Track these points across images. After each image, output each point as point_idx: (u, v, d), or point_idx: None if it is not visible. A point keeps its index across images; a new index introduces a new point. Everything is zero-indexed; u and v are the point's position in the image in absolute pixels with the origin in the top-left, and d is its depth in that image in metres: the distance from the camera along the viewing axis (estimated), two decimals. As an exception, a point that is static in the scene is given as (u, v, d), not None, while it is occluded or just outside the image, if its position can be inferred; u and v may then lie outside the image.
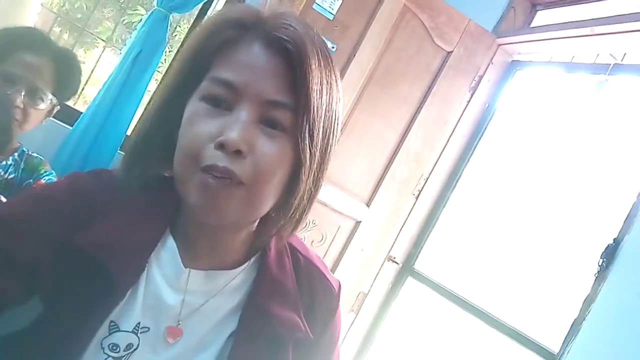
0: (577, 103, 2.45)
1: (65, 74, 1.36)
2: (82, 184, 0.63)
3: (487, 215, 2.45)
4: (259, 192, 0.57)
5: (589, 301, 1.52)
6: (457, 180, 2.35)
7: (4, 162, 1.33)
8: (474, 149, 2.37)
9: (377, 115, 2.22)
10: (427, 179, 2.35)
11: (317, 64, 0.57)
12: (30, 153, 1.41)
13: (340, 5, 2.08)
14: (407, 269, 2.31)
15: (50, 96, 1.32)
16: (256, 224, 0.67)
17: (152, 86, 2.39)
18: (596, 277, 1.54)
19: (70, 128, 2.14)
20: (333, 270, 2.23)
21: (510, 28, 2.43)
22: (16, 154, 1.36)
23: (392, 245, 2.31)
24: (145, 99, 2.36)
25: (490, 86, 2.39)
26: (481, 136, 2.37)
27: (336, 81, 0.62)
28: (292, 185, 0.60)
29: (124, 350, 0.59)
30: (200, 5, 2.27)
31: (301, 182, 0.59)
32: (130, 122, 2.32)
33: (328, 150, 0.63)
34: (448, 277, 2.16)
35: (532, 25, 2.45)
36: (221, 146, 0.54)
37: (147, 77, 2.27)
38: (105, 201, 0.62)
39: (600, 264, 1.54)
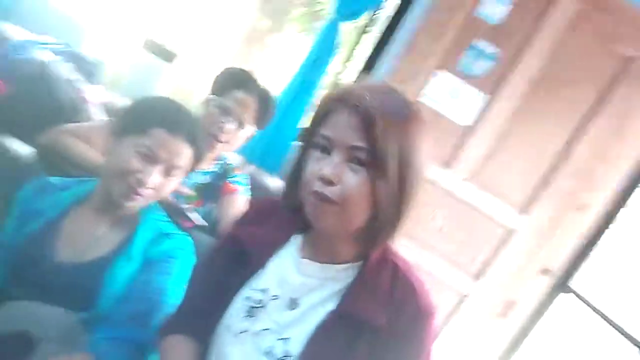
0: None
1: (265, 108, 1.66)
2: (256, 205, 1.07)
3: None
4: (347, 210, 0.81)
5: None
6: (628, 198, 2.16)
7: (206, 169, 1.67)
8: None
9: (539, 122, 2.16)
10: (595, 193, 2.20)
11: (384, 120, 0.79)
12: (228, 161, 1.74)
13: (505, 11, 2.08)
14: (561, 284, 2.21)
15: (252, 127, 1.65)
16: (357, 235, 0.87)
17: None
18: None
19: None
20: (479, 274, 2.25)
21: None
22: (219, 162, 1.71)
23: (547, 258, 2.22)
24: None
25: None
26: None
27: (410, 131, 0.82)
28: (376, 209, 0.82)
29: (255, 303, 0.91)
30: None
31: (380, 205, 0.81)
32: (302, 117, 2.64)
33: (406, 185, 0.82)
34: (605, 299, 2.01)
35: None
36: (320, 178, 0.80)
37: (319, 79, 2.55)
38: (263, 213, 0.99)
39: None
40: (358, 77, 2.64)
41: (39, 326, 0.94)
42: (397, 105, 0.83)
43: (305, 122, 2.69)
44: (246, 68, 1.76)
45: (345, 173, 0.80)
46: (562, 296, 2.19)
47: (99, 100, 2.00)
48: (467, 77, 2.19)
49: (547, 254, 2.21)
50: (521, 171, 2.19)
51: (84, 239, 1.08)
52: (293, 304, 0.89)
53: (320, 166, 0.81)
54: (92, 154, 1.32)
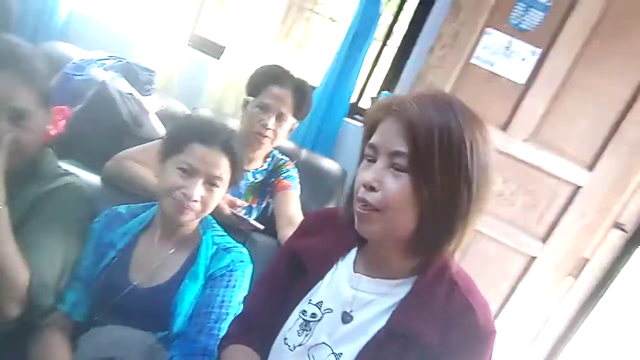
0: None
1: (302, 99, 1.69)
2: (313, 216, 1.08)
3: None
4: (389, 215, 0.80)
5: None
6: None
7: (259, 168, 1.74)
8: None
9: (602, 72, 2.01)
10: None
11: (425, 125, 0.78)
12: (279, 156, 1.80)
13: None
14: (636, 239, 2.11)
15: (291, 119, 1.68)
16: (408, 247, 0.85)
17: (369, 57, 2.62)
18: None
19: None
20: (547, 235, 2.19)
21: None
22: (269, 159, 1.77)
23: (619, 213, 2.12)
24: (363, 69, 2.62)
25: None
26: None
27: (458, 137, 0.78)
28: (422, 218, 0.80)
29: (310, 317, 0.93)
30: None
31: (426, 213, 0.79)
32: (353, 92, 2.63)
33: (458, 194, 0.79)
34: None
35: None
36: (363, 185, 0.82)
37: (364, 50, 2.51)
38: (320, 224, 1.01)
39: None
40: (400, 46, 2.57)
41: (123, 349, 1.08)
42: (441, 110, 0.80)
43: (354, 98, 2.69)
44: (279, 62, 1.79)
45: (386, 179, 0.80)
46: (637, 252, 2.09)
47: (156, 108, 2.13)
48: (519, 32, 2.07)
49: (618, 208, 2.11)
50: (583, 126, 2.07)
51: (154, 263, 1.20)
52: (347, 317, 0.90)
53: (365, 174, 0.82)
54: (150, 177, 1.43)
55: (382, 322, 0.86)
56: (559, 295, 2.25)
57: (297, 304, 0.95)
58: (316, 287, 0.95)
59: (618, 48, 1.97)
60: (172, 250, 1.22)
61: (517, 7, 2.04)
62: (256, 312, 1.03)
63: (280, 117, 1.65)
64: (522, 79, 2.10)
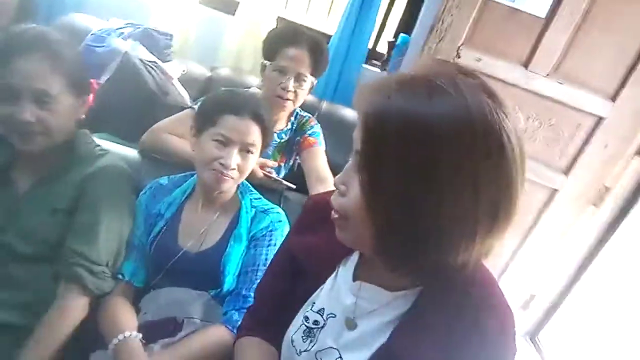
0: None
1: (319, 57, 1.70)
2: (310, 207, 0.97)
3: None
4: (351, 225, 0.71)
5: None
6: None
7: (284, 128, 1.79)
8: None
9: (625, 0, 1.96)
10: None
11: (376, 115, 0.64)
12: (301, 114, 1.84)
13: None
14: (660, 166, 2.14)
15: (310, 77, 1.70)
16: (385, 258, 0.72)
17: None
18: None
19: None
20: (569, 167, 2.23)
21: None
22: (292, 118, 1.82)
23: (643, 142, 2.13)
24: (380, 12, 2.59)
25: None
26: None
27: (425, 138, 0.61)
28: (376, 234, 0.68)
29: (313, 324, 0.85)
30: None
31: (377, 229, 0.67)
32: (370, 37, 2.61)
33: (417, 205, 0.62)
34: None
35: None
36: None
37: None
38: (320, 217, 0.84)
39: None
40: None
41: (182, 308, 1.21)
42: (415, 96, 0.62)
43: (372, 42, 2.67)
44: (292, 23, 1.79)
45: (353, 182, 0.68)
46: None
47: (178, 74, 2.17)
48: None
49: (642, 137, 2.12)
50: (606, 57, 2.04)
51: (200, 229, 1.30)
52: (351, 324, 0.81)
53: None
54: (186, 147, 1.51)
55: (384, 337, 0.77)
56: (581, 225, 2.31)
57: (301, 305, 0.89)
58: (318, 291, 0.88)
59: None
60: (217, 215, 1.32)
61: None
62: (267, 305, 1.01)
63: (299, 78, 1.68)
64: (542, 13, 2.05)
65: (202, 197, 1.33)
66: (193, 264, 1.26)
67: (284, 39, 1.69)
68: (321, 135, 1.83)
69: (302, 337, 0.86)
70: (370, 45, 2.67)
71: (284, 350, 0.90)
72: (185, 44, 2.54)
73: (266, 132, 1.31)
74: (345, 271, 0.85)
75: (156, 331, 1.17)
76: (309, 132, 1.81)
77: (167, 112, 1.67)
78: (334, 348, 0.81)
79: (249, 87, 1.82)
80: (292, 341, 0.87)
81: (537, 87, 2.14)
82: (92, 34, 2.16)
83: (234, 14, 2.59)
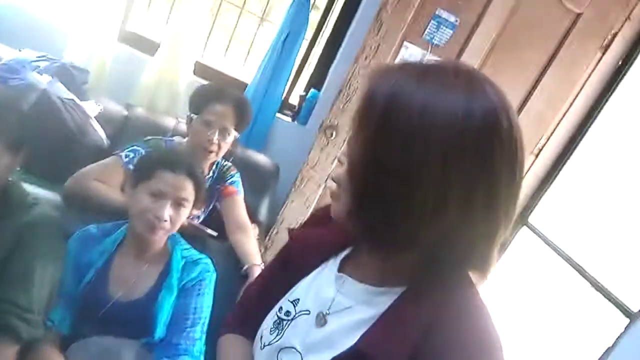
0: None
1: (243, 113, 1.84)
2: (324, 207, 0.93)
3: (610, 177, 2.44)
4: (341, 193, 0.73)
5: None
6: (580, 141, 2.44)
7: (205, 176, 1.85)
8: (601, 110, 2.40)
9: (499, 81, 2.35)
10: (549, 138, 2.48)
11: (370, 92, 0.67)
12: (222, 162, 1.95)
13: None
14: (521, 220, 2.56)
15: (233, 132, 1.82)
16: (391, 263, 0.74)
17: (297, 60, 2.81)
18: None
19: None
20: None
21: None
22: (214, 167, 1.93)
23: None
24: (293, 71, 2.81)
25: (625, 43, 2.35)
26: (610, 96, 2.38)
27: (399, 103, 0.64)
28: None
29: (284, 315, 0.84)
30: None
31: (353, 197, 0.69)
32: (284, 90, 2.81)
33: (389, 179, 0.64)
34: (562, 234, 2.33)
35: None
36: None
37: (294, 53, 2.69)
38: (326, 218, 0.82)
39: None
40: (326, 44, 2.78)
41: (112, 357, 1.25)
42: (404, 77, 0.65)
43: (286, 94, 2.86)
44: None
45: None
46: (524, 230, 2.53)
47: (95, 113, 2.17)
48: (432, 47, 2.36)
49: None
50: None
51: (131, 278, 1.35)
52: (321, 320, 0.78)
53: None
54: (114, 195, 1.54)
55: (353, 339, 0.71)
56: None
57: (280, 298, 0.87)
58: (299, 282, 0.86)
59: (513, 61, 2.36)
60: (147, 266, 1.38)
61: (430, 24, 2.32)
62: (251, 302, 1.00)
63: (223, 132, 1.79)
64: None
65: (134, 246, 1.38)
66: (124, 313, 1.31)
67: (212, 95, 1.81)
68: (240, 184, 1.95)
69: (271, 328, 0.84)
70: (282, 96, 2.86)
71: (254, 344, 0.88)
72: (100, 79, 2.52)
73: (199, 188, 1.42)
74: (333, 264, 0.84)
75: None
76: (229, 180, 1.92)
77: (85, 153, 1.69)
78: (297, 350, 0.78)
79: (174, 137, 1.90)
80: (262, 333, 0.86)
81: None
82: (3, 63, 2.08)
83: (153, 55, 2.63)
